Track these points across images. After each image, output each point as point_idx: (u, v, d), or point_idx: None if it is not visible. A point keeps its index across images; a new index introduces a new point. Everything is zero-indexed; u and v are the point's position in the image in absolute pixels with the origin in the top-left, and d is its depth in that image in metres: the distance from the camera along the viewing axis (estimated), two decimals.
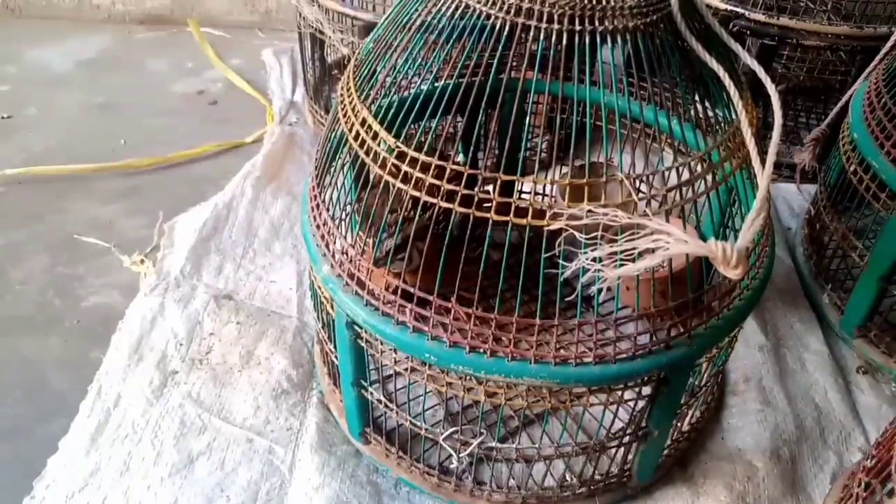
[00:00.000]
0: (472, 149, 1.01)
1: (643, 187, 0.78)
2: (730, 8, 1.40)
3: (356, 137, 0.78)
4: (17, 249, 1.36)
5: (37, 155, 1.61)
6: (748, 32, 1.39)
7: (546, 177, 1.24)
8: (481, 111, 0.75)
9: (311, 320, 1.19)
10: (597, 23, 0.69)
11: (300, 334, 1.17)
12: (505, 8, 0.70)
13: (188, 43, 2.11)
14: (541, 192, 1.10)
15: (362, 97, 0.79)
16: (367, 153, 0.77)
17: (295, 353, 1.14)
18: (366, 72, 0.81)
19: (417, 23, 0.75)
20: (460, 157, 1.07)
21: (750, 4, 1.39)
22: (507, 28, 0.70)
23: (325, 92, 1.70)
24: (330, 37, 1.36)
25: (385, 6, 1.40)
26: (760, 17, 1.37)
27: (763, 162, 0.69)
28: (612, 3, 0.69)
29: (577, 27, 0.69)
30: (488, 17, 0.70)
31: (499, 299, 0.73)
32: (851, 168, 1.16)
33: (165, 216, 1.42)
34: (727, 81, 0.71)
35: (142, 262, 1.29)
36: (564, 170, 1.25)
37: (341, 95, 0.84)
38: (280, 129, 1.66)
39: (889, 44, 1.24)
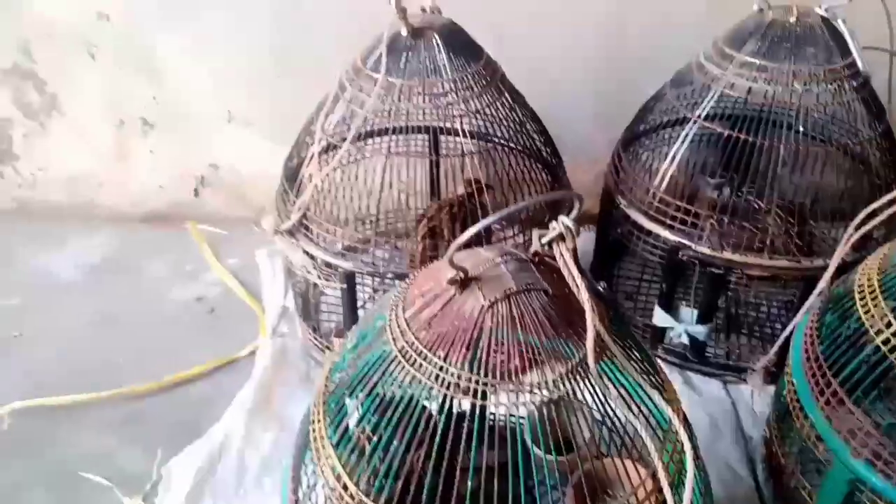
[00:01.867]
0: None
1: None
2: (678, 240, 1.52)
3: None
4: (16, 488, 1.43)
5: (40, 378, 1.69)
6: (696, 262, 1.52)
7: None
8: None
9: None
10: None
11: None
12: (445, 385, 0.82)
13: (187, 242, 2.23)
14: None
15: (333, 440, 0.90)
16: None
17: None
18: (333, 418, 0.92)
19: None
20: None
21: (696, 238, 1.51)
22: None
23: (312, 304, 1.81)
24: (316, 283, 1.48)
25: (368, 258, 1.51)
26: (706, 250, 1.50)
27: None
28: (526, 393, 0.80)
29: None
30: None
31: None
32: (794, 412, 1.24)
33: (164, 448, 1.50)
34: (645, 436, 0.81)
35: None
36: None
37: (312, 422, 0.94)
38: (271, 344, 1.77)
39: (821, 284, 1.36)
